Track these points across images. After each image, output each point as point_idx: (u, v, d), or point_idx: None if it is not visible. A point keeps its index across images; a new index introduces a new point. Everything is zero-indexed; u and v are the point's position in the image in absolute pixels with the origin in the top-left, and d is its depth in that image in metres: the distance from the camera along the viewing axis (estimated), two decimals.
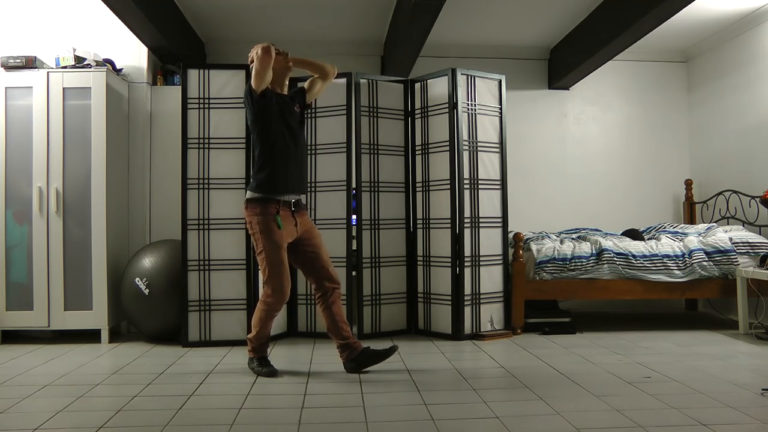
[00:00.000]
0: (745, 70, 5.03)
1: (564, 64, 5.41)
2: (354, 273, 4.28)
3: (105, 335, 4.17)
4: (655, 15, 4.07)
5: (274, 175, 3.25)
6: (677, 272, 4.41)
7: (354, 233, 4.29)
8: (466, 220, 4.22)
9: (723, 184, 5.24)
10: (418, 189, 4.46)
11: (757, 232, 4.70)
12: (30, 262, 4.16)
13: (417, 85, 4.48)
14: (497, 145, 4.41)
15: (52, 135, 4.17)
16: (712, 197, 5.32)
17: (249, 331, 3.47)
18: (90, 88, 4.21)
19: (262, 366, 3.28)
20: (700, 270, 4.39)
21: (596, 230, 5.09)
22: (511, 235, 4.49)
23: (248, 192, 3.30)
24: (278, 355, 3.76)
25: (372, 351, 3.33)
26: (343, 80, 4.32)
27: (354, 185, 4.29)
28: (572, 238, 4.76)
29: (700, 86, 5.67)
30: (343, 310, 3.44)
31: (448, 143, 4.25)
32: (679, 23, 4.89)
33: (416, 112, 4.48)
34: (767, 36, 4.79)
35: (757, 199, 4.66)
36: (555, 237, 4.83)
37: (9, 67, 4.19)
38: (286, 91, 3.46)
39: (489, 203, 4.33)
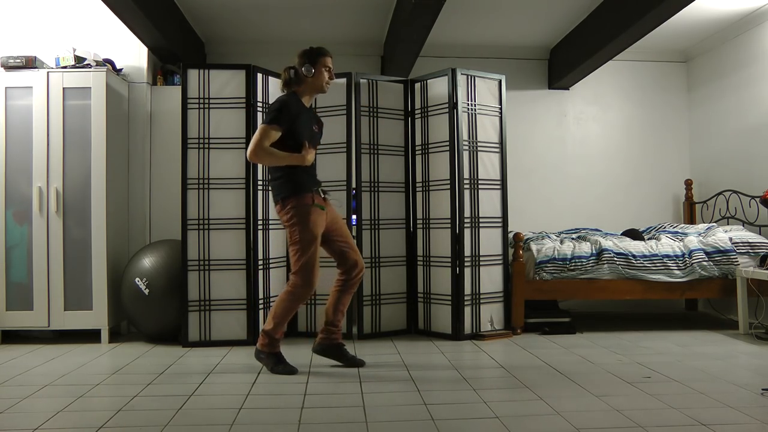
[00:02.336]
0: (745, 70, 5.03)
1: (564, 64, 5.41)
2: None
3: (105, 335, 4.17)
4: (655, 15, 4.07)
5: (302, 177, 3.29)
6: (677, 272, 4.41)
7: (354, 233, 4.29)
8: (466, 220, 4.22)
9: (723, 184, 5.24)
10: (418, 189, 4.46)
11: (757, 232, 4.70)
12: (30, 262, 4.16)
13: (417, 85, 4.48)
14: (497, 145, 4.41)
15: (52, 135, 4.17)
16: (712, 197, 5.32)
17: (257, 325, 3.53)
18: (90, 88, 4.21)
19: (279, 363, 3.30)
20: (700, 270, 4.39)
21: (596, 230, 5.09)
22: (511, 235, 4.49)
23: (278, 193, 3.30)
24: None
25: (344, 350, 3.46)
26: (343, 80, 4.32)
27: (354, 185, 4.29)
28: (572, 238, 4.76)
29: (700, 86, 5.67)
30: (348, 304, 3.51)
31: (448, 143, 4.25)
32: (679, 23, 4.89)
33: (416, 112, 4.48)
34: (767, 36, 4.79)
35: (757, 199, 4.66)
36: (555, 237, 4.83)
37: (9, 67, 4.19)
38: (311, 104, 3.49)
39: (489, 203, 4.33)
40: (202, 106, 4.11)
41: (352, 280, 3.43)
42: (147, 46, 4.66)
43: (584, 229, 5.15)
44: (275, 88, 4.30)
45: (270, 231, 4.23)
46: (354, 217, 4.33)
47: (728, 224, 5.00)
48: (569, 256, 4.41)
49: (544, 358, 3.62)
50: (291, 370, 3.26)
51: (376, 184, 4.37)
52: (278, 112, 3.22)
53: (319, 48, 3.39)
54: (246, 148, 4.06)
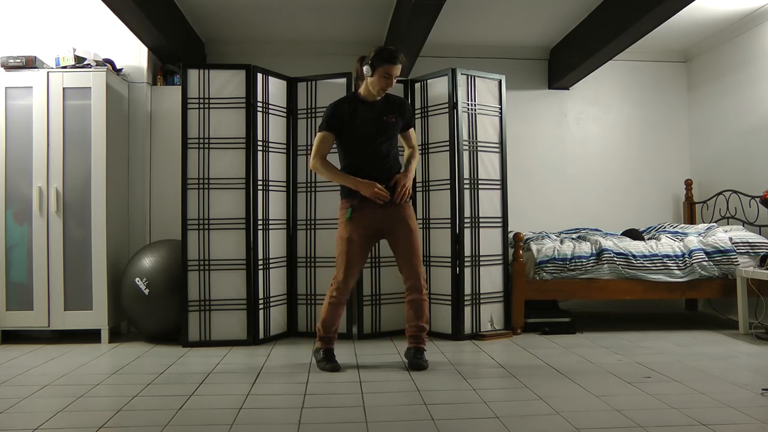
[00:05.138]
0: (745, 70, 5.03)
1: (564, 64, 5.41)
2: None
3: (105, 335, 4.17)
4: (655, 15, 4.07)
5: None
6: (677, 272, 4.41)
7: None
8: (466, 220, 4.22)
9: (723, 184, 5.24)
10: (418, 189, 4.46)
11: (757, 232, 4.70)
12: (30, 262, 4.16)
13: (417, 85, 4.48)
14: (497, 145, 4.41)
15: (52, 135, 4.17)
16: (712, 197, 5.32)
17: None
18: (90, 88, 4.21)
19: (326, 360, 3.37)
20: (700, 270, 4.39)
21: (596, 230, 5.09)
22: (511, 235, 4.49)
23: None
24: (278, 355, 3.77)
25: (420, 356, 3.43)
26: (344, 80, 4.32)
27: None
28: (572, 238, 4.76)
29: (700, 86, 5.67)
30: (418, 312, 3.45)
31: (448, 143, 4.25)
32: (679, 23, 4.89)
33: (416, 112, 4.48)
34: (767, 36, 4.79)
35: (757, 199, 4.66)
36: (555, 237, 4.83)
37: (9, 67, 4.19)
38: (378, 98, 3.42)
39: (489, 203, 4.33)
40: (202, 106, 4.11)
41: (409, 296, 3.45)
42: (147, 46, 4.66)
43: (584, 229, 5.15)
44: (275, 88, 4.31)
45: (270, 231, 4.23)
46: None
47: (728, 224, 5.00)
48: (569, 256, 4.40)
49: (544, 358, 3.62)
50: (334, 368, 3.33)
51: None
52: (327, 117, 3.39)
53: (389, 53, 3.32)
54: (245, 148, 4.10)
